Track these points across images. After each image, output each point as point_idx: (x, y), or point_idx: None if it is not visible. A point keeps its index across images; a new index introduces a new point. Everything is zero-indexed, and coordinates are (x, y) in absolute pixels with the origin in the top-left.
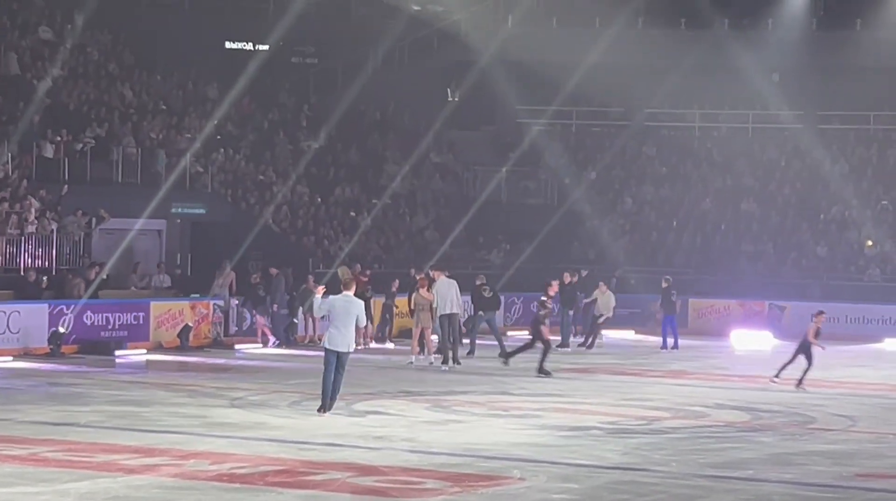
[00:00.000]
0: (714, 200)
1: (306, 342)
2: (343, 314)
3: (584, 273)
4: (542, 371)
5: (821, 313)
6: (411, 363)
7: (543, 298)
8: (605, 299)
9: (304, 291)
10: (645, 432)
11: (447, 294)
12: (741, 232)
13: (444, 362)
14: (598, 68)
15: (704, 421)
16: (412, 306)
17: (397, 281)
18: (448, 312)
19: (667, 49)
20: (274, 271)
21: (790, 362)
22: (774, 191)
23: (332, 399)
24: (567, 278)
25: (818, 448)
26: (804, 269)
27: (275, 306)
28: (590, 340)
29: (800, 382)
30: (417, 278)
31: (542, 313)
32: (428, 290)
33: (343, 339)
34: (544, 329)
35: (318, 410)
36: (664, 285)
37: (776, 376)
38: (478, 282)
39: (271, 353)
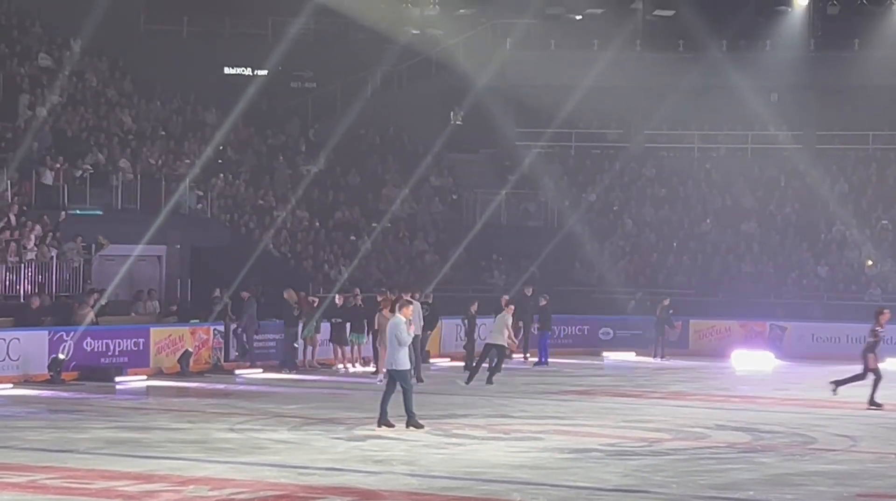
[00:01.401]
0: (714, 221)
1: (305, 366)
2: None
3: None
4: (872, 403)
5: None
6: (379, 382)
7: (876, 327)
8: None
9: (306, 315)
10: (645, 454)
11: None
12: (741, 253)
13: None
14: (596, 91)
15: (705, 443)
16: (376, 327)
17: (476, 303)
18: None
19: (665, 71)
20: (245, 294)
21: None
22: (774, 211)
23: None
24: (529, 291)
25: (819, 469)
26: (805, 289)
27: (239, 328)
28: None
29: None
30: (380, 299)
31: (871, 340)
32: (391, 311)
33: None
34: (871, 358)
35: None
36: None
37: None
38: (472, 309)
39: (271, 378)
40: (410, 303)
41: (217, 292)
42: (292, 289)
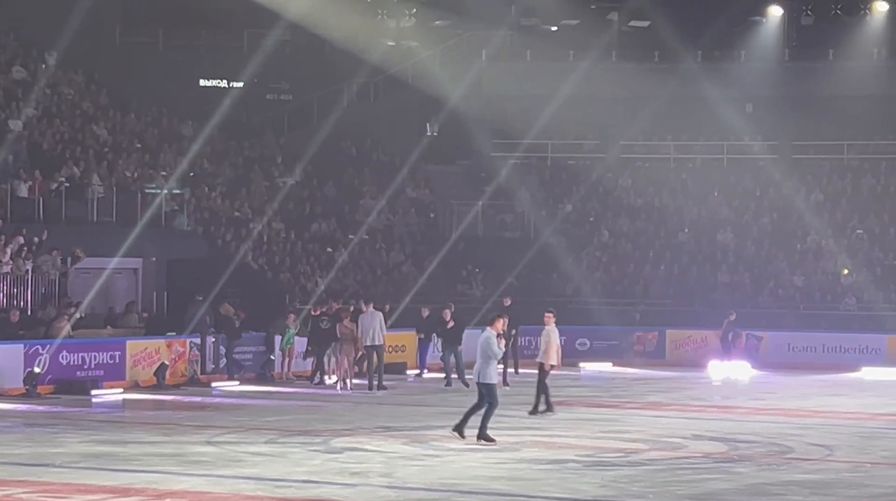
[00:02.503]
0: (690, 231)
1: (282, 379)
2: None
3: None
4: None
5: None
6: (340, 389)
7: None
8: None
9: (281, 325)
10: (622, 464)
11: (370, 326)
12: (717, 263)
13: (371, 388)
14: (572, 102)
15: (682, 453)
16: (338, 336)
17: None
18: (370, 343)
19: (640, 82)
20: (229, 309)
21: None
22: (750, 221)
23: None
24: (447, 313)
25: (796, 478)
26: (781, 299)
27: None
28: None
29: None
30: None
31: None
32: (351, 321)
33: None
34: None
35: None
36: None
37: None
38: (446, 316)
39: (248, 390)
40: (501, 317)
41: (199, 298)
42: (228, 303)
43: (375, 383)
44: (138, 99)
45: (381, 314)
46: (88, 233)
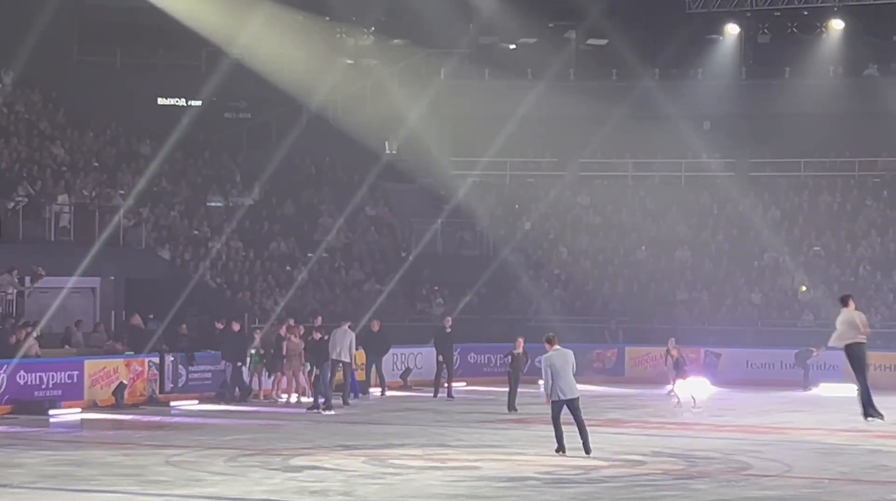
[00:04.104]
0: (648, 248)
1: (252, 397)
2: (563, 365)
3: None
4: None
5: None
6: (284, 402)
7: None
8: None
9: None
10: (582, 481)
11: (341, 343)
12: (675, 280)
13: (327, 406)
14: (531, 120)
15: (641, 470)
16: (284, 353)
17: (521, 340)
18: (338, 358)
19: (598, 100)
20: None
21: None
22: (708, 239)
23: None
24: (376, 325)
25: (755, 495)
26: (739, 315)
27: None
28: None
29: None
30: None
31: None
32: (300, 338)
33: (570, 387)
34: None
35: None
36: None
37: None
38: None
39: (207, 409)
40: (555, 338)
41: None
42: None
43: (350, 396)
44: (96, 118)
45: (353, 334)
46: (46, 252)
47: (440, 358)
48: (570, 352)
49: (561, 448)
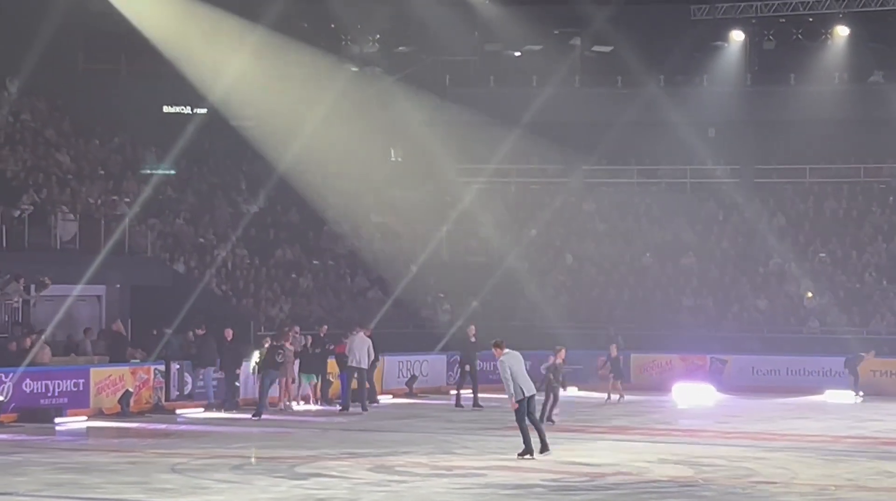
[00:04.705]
0: (654, 255)
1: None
2: (519, 366)
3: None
4: None
5: None
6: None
7: None
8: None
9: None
10: (588, 488)
11: (359, 349)
12: (681, 287)
13: (345, 408)
14: (536, 126)
15: (647, 477)
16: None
17: (564, 350)
18: (356, 365)
19: (603, 106)
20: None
21: None
22: (713, 245)
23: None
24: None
25: None
26: (744, 322)
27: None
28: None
29: None
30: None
31: None
32: (290, 344)
33: (528, 386)
34: None
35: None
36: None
37: None
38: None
39: (213, 417)
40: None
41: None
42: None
43: (367, 403)
44: (101, 126)
45: (370, 340)
46: (52, 260)
47: (466, 368)
48: (518, 353)
49: (529, 452)
